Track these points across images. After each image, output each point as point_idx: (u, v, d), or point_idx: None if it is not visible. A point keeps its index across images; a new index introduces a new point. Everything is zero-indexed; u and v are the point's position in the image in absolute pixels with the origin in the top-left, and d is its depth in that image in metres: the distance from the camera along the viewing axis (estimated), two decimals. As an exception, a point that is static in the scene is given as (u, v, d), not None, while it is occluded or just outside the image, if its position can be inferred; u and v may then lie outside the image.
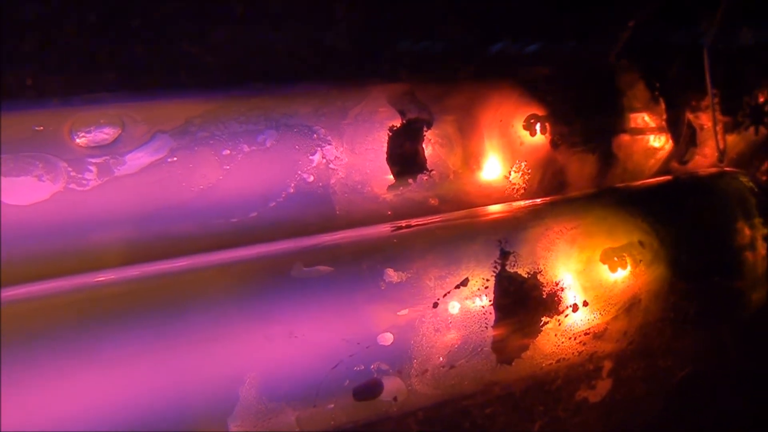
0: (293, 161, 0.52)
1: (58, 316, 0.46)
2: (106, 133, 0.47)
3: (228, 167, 0.50)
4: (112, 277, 0.49)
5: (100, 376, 0.42)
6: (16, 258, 0.47)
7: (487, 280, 0.43)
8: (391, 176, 0.52)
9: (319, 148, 0.53)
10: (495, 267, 0.44)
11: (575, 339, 0.46)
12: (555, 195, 0.53)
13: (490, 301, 0.43)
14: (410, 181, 0.50)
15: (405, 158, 0.49)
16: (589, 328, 0.47)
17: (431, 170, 0.50)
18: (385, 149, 0.52)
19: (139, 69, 0.41)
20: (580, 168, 0.55)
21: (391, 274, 0.47)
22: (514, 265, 0.44)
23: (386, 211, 0.54)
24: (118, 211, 0.49)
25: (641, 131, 0.58)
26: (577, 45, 0.56)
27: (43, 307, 0.47)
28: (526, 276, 0.44)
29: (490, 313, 0.43)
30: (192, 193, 0.50)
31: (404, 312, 0.47)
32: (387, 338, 0.47)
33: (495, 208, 0.51)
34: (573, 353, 0.46)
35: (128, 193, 0.49)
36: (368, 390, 0.41)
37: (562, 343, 0.46)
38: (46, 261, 0.48)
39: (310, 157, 0.53)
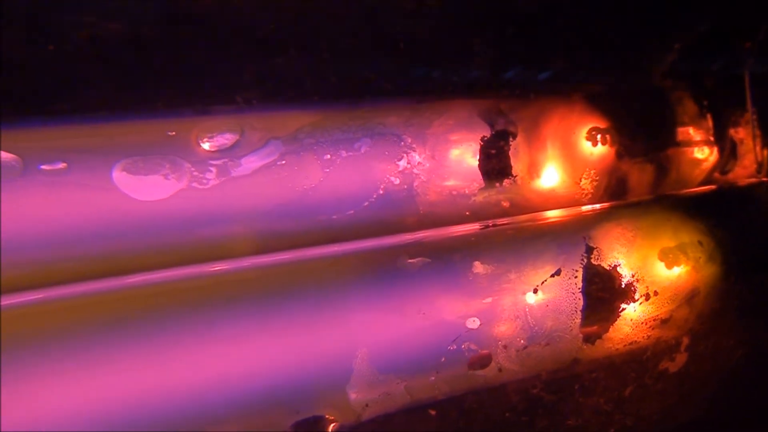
0: (383, 165, 0.58)
1: (186, 300, 0.51)
2: (226, 139, 0.52)
3: (328, 170, 0.56)
4: (226, 267, 0.54)
5: (240, 352, 0.46)
6: (142, 248, 0.52)
7: (577, 270, 0.48)
8: (479, 181, 0.57)
9: (405, 154, 0.58)
10: (582, 260, 0.49)
11: (646, 324, 0.51)
12: (618, 200, 0.58)
13: (579, 288, 0.48)
14: (497, 185, 0.55)
15: (494, 165, 0.54)
16: (657, 315, 0.51)
17: (515, 176, 0.55)
18: (470, 156, 0.57)
19: (263, 83, 0.47)
20: (640, 176, 0.60)
21: (478, 267, 0.51)
22: (597, 259, 0.49)
23: (464, 211, 0.59)
24: (233, 207, 0.54)
25: (690, 144, 0.63)
26: (629, 65, 0.62)
27: (169, 291, 0.51)
28: (608, 268, 0.49)
29: (579, 299, 0.48)
30: (297, 192, 0.55)
31: (488, 300, 0.52)
32: (474, 322, 0.51)
33: (569, 211, 0.56)
34: (643, 337, 0.50)
35: (242, 192, 0.54)
36: (480, 362, 0.45)
37: (636, 327, 0.50)
38: (169, 252, 0.53)
39: (397, 162, 0.58)
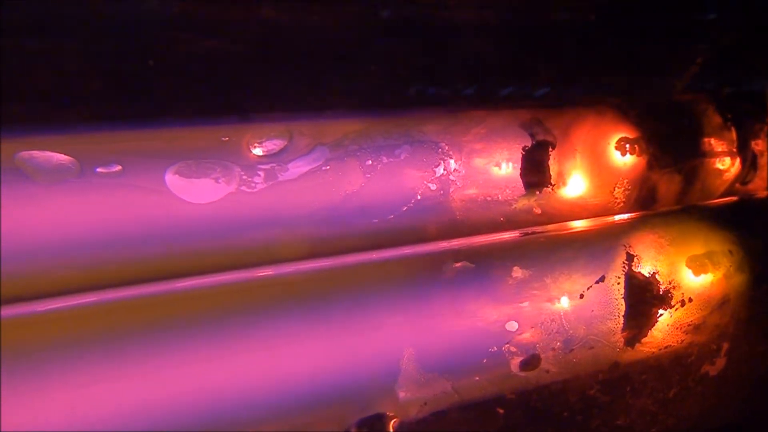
0: (421, 172, 0.59)
1: (236, 302, 0.52)
2: (275, 144, 0.54)
3: (369, 175, 0.57)
4: (273, 271, 0.55)
5: (288, 353, 0.48)
6: (192, 251, 0.53)
7: (619, 277, 0.50)
8: (512, 188, 0.59)
9: (442, 161, 0.60)
10: (624, 267, 0.51)
11: (681, 329, 0.53)
12: (647, 209, 0.60)
13: (622, 295, 0.50)
14: (537, 192, 0.57)
15: (534, 173, 0.56)
16: (692, 321, 0.53)
17: (554, 184, 0.57)
18: (504, 164, 0.59)
19: (314, 92, 0.49)
20: (668, 186, 0.62)
21: (517, 271, 0.53)
22: (637, 266, 0.51)
23: (499, 217, 0.60)
24: (279, 211, 0.55)
25: (714, 155, 0.65)
26: (653, 79, 0.64)
27: (217, 294, 0.53)
28: (647, 275, 0.51)
29: (622, 305, 0.50)
30: (339, 197, 0.56)
31: (525, 304, 0.53)
32: (513, 325, 0.52)
33: (602, 219, 0.58)
34: (677, 341, 0.52)
35: (288, 196, 0.55)
36: (529, 363, 0.47)
37: (671, 331, 0.52)
38: (216, 254, 0.54)
39: (435, 169, 0.60)
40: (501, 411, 0.46)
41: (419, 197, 0.58)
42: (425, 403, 0.46)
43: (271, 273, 0.54)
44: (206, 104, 0.46)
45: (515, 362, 0.48)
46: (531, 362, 0.49)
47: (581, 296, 0.50)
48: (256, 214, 0.54)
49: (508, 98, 0.56)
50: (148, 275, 0.51)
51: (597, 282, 0.51)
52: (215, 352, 0.48)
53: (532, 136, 0.55)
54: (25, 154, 0.46)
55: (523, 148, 0.55)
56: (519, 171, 0.55)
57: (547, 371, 0.50)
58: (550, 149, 0.56)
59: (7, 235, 0.47)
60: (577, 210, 0.58)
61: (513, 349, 0.50)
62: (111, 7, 0.42)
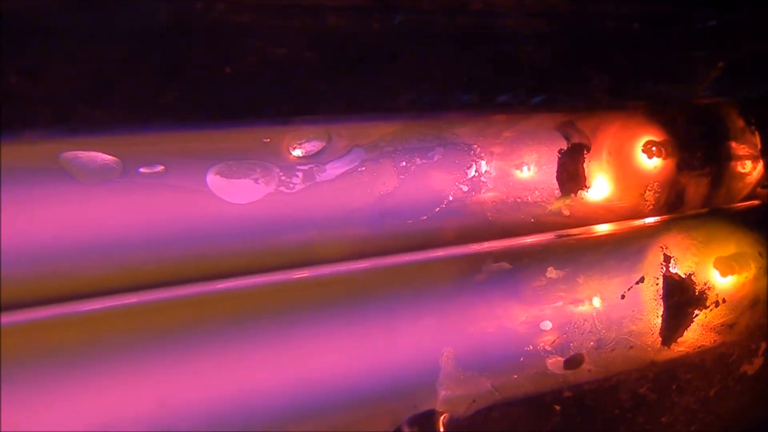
0: (453, 173, 0.60)
1: (271, 304, 0.53)
2: (314, 146, 0.54)
3: (403, 177, 0.58)
4: (311, 272, 0.55)
5: (330, 353, 0.48)
6: (231, 250, 0.54)
7: (657, 278, 0.51)
8: (541, 190, 0.60)
9: (474, 163, 0.60)
10: (661, 268, 0.52)
11: (714, 329, 0.54)
12: (676, 212, 0.61)
13: (660, 295, 0.51)
14: (572, 195, 0.58)
15: (570, 176, 0.57)
16: (725, 321, 0.54)
17: (588, 187, 0.58)
18: (534, 166, 0.60)
19: (357, 95, 0.49)
20: (696, 189, 0.63)
21: (552, 272, 0.53)
22: (674, 267, 0.52)
23: (529, 219, 0.61)
24: (316, 211, 0.56)
25: (738, 158, 0.66)
26: (676, 82, 0.65)
27: (255, 295, 0.53)
28: (683, 276, 0.52)
29: (660, 305, 0.50)
30: (374, 197, 0.57)
31: (560, 304, 0.54)
32: (547, 325, 0.53)
33: (636, 222, 0.59)
34: (710, 341, 0.53)
35: (325, 197, 0.56)
36: (573, 362, 0.48)
37: (706, 331, 0.53)
38: (255, 254, 0.55)
39: (466, 170, 0.60)
40: (556, 407, 0.46)
41: (451, 198, 0.59)
42: (473, 401, 0.46)
43: (310, 274, 0.54)
44: (253, 107, 0.46)
45: (554, 361, 0.49)
46: (573, 360, 0.49)
47: (623, 297, 0.51)
48: (294, 215, 0.54)
49: (542, 104, 0.57)
50: (189, 275, 0.51)
51: (637, 283, 0.52)
52: (256, 352, 0.49)
53: (567, 138, 0.56)
54: (69, 154, 0.47)
55: (559, 151, 0.56)
56: (555, 173, 0.56)
57: (589, 370, 0.50)
58: (585, 152, 0.57)
59: (50, 234, 0.47)
60: (608, 212, 0.59)
61: (548, 348, 0.51)
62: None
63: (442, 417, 0.45)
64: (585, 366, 0.50)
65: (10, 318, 0.47)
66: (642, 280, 0.52)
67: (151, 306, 0.50)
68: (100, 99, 0.45)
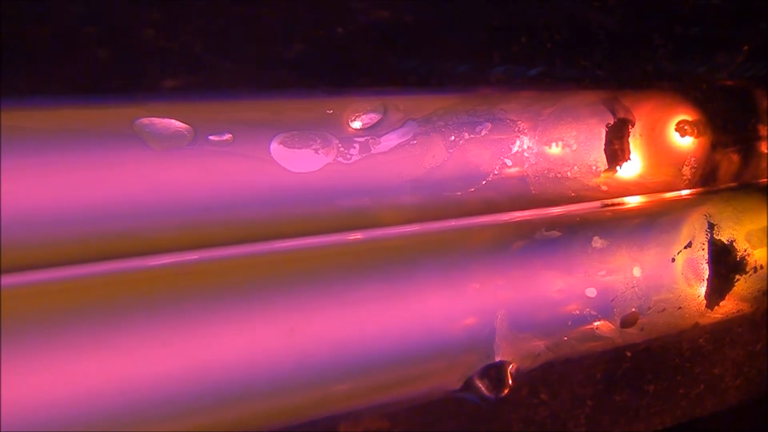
0: (498, 148, 0.62)
1: (333, 264, 0.55)
2: (371, 118, 0.56)
3: (452, 150, 0.60)
4: (363, 236, 0.58)
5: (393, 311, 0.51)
6: (291, 216, 0.56)
7: (704, 243, 0.54)
8: (579, 164, 0.62)
9: (517, 138, 0.63)
10: (707, 234, 0.55)
11: (752, 294, 0.57)
12: (708, 186, 0.64)
13: (706, 259, 0.54)
14: (617, 168, 0.60)
15: (615, 150, 0.59)
16: (761, 287, 0.58)
17: (631, 160, 0.61)
18: (573, 142, 0.63)
19: (417, 68, 0.51)
20: (728, 166, 0.66)
21: (597, 241, 0.56)
22: (718, 234, 0.56)
23: (570, 192, 0.64)
24: (370, 182, 0.58)
25: (763, 138, 0.69)
26: (706, 61, 0.68)
27: (318, 256, 0.55)
28: (726, 242, 0.56)
29: (706, 269, 0.54)
30: (424, 170, 0.59)
31: (602, 272, 0.57)
32: (592, 292, 0.56)
33: (677, 193, 0.62)
34: (749, 306, 0.57)
35: (379, 168, 0.58)
36: (629, 321, 0.51)
37: (745, 296, 0.57)
38: (312, 220, 0.57)
39: (510, 146, 0.63)
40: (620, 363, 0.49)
41: (496, 172, 0.61)
42: (538, 355, 0.49)
43: (360, 238, 0.56)
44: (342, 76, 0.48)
45: (601, 323, 0.52)
46: (629, 319, 0.52)
47: (673, 260, 0.54)
48: (349, 184, 0.56)
49: (584, 81, 0.59)
50: (251, 237, 0.53)
51: (685, 247, 0.55)
52: (320, 307, 0.51)
53: (613, 113, 0.59)
54: (145, 120, 0.48)
55: (606, 125, 0.59)
56: (599, 147, 0.59)
57: (641, 329, 0.53)
58: (630, 127, 0.59)
59: (120, 197, 0.49)
60: (648, 185, 0.61)
61: (593, 312, 0.54)
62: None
63: (510, 367, 0.48)
64: (637, 325, 0.53)
65: (85, 270, 0.49)
66: (690, 245, 0.55)
67: (213, 264, 0.53)
68: (178, 65, 0.47)
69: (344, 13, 0.43)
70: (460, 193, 0.59)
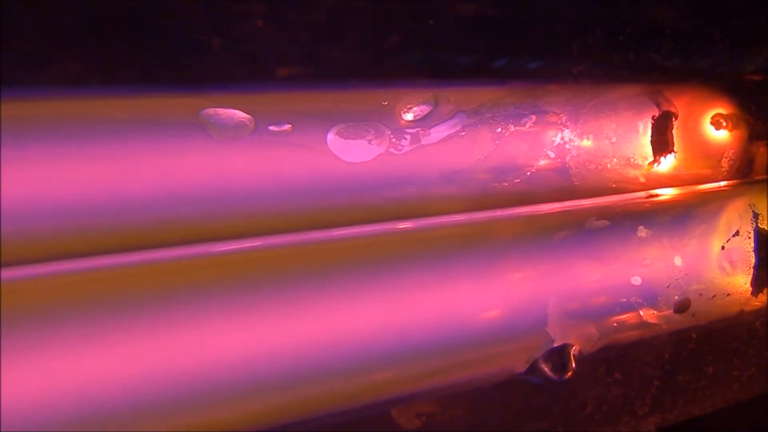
0: (541, 140, 0.64)
1: (383, 252, 0.56)
2: (422, 110, 0.58)
3: (498, 142, 0.61)
4: (410, 225, 0.59)
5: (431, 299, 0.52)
6: (344, 205, 0.57)
7: (749, 232, 0.56)
8: (618, 156, 0.64)
9: (560, 131, 0.64)
10: (752, 223, 0.56)
11: None
12: (744, 178, 0.65)
13: (752, 248, 0.56)
14: (661, 159, 0.62)
15: (659, 142, 0.61)
16: None
17: (676, 152, 0.62)
18: (612, 135, 0.64)
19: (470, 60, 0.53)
20: (762, 158, 0.68)
21: (642, 230, 0.58)
22: (762, 222, 0.57)
23: (610, 184, 0.65)
24: (419, 172, 0.59)
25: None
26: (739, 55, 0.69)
27: (366, 245, 0.57)
28: None
29: (752, 257, 0.55)
30: (471, 161, 0.61)
31: (647, 261, 0.58)
32: (637, 280, 0.57)
33: (715, 185, 0.63)
34: None
35: (428, 159, 0.59)
36: (682, 306, 0.52)
37: None
38: (364, 209, 0.58)
39: (553, 138, 0.64)
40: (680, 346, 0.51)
41: (541, 163, 0.62)
42: (599, 338, 0.51)
43: (409, 227, 0.58)
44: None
45: (648, 311, 0.53)
46: (682, 305, 0.54)
47: (723, 247, 0.56)
48: (399, 174, 0.58)
49: (625, 73, 0.61)
50: (306, 225, 0.54)
51: (733, 236, 0.56)
52: (375, 294, 0.53)
53: (658, 106, 0.60)
54: (210, 110, 0.50)
55: (652, 117, 0.60)
56: (646, 139, 0.60)
57: (693, 314, 0.55)
58: (674, 119, 0.61)
59: (183, 185, 0.50)
60: (690, 177, 0.63)
61: (639, 300, 0.55)
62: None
63: (573, 350, 0.49)
64: (693, 311, 0.54)
65: (145, 256, 0.50)
66: (737, 233, 0.57)
67: (271, 251, 0.54)
68: (244, 55, 0.48)
69: (435, 6, 0.45)
70: (506, 184, 0.60)
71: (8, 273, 0.43)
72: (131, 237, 0.49)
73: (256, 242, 0.53)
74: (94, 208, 0.47)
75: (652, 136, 0.60)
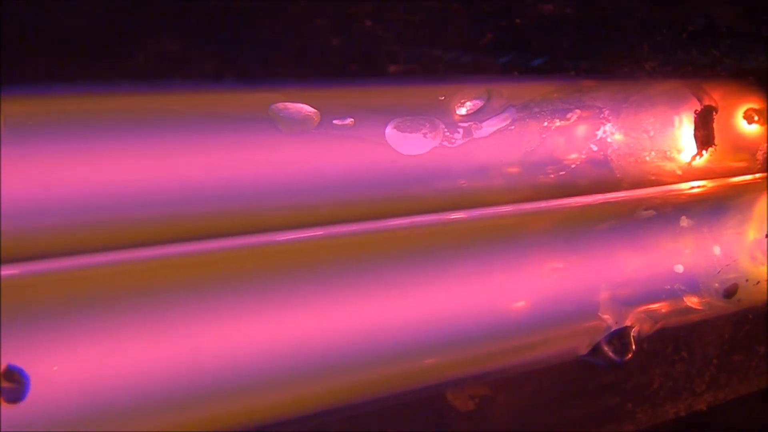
0: (585, 134, 0.66)
1: (430, 242, 0.59)
2: (475, 104, 0.60)
3: (544, 136, 0.64)
4: (463, 215, 0.62)
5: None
6: (398, 196, 0.60)
7: None
8: (657, 150, 0.67)
9: (602, 125, 0.67)
10: None
11: None
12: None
13: None
14: (703, 152, 0.64)
15: (701, 135, 0.63)
16: None
17: (716, 145, 0.65)
18: (651, 129, 0.67)
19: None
20: None
21: (684, 220, 0.60)
22: None
23: (650, 176, 0.68)
24: (470, 165, 0.62)
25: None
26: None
27: (417, 235, 0.59)
28: None
29: None
30: (518, 154, 0.63)
31: (688, 250, 0.61)
32: (679, 268, 0.60)
33: (751, 177, 0.66)
34: None
35: (479, 152, 0.62)
36: (730, 291, 0.55)
37: None
38: (418, 200, 0.60)
39: (596, 132, 0.67)
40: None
41: (584, 156, 0.65)
42: (656, 322, 0.54)
43: (460, 218, 0.60)
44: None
45: (726, 289, 0.56)
46: (730, 290, 0.57)
47: (767, 235, 0.59)
48: (452, 166, 0.60)
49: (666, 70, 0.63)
50: (366, 215, 0.57)
51: None
52: (432, 280, 0.55)
53: (699, 101, 0.63)
54: (280, 105, 0.52)
55: (695, 112, 0.63)
56: (693, 132, 0.63)
57: (739, 300, 0.58)
58: (714, 114, 0.63)
59: (251, 176, 0.53)
60: (727, 169, 0.66)
61: (682, 287, 0.58)
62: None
63: (632, 331, 0.52)
64: (739, 297, 0.57)
65: (222, 244, 0.52)
66: None
67: (334, 240, 0.56)
68: (310, 53, 0.50)
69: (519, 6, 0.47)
70: (552, 176, 0.63)
71: (87, 260, 0.45)
72: (209, 224, 0.51)
73: (318, 232, 0.56)
74: (170, 197, 0.50)
75: (695, 130, 0.63)
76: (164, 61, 0.48)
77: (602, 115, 0.65)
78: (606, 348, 0.52)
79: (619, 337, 0.52)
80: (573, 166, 0.64)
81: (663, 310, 0.57)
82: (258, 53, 0.49)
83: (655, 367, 0.55)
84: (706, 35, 0.65)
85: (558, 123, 0.63)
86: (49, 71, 0.44)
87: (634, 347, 0.52)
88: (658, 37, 0.64)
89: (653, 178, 0.67)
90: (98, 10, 0.45)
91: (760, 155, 0.68)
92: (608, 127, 0.66)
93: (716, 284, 0.59)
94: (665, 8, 0.58)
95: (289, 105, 0.52)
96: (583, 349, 0.52)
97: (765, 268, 0.60)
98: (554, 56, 0.57)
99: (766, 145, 0.67)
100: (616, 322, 0.53)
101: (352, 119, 0.54)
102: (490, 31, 0.54)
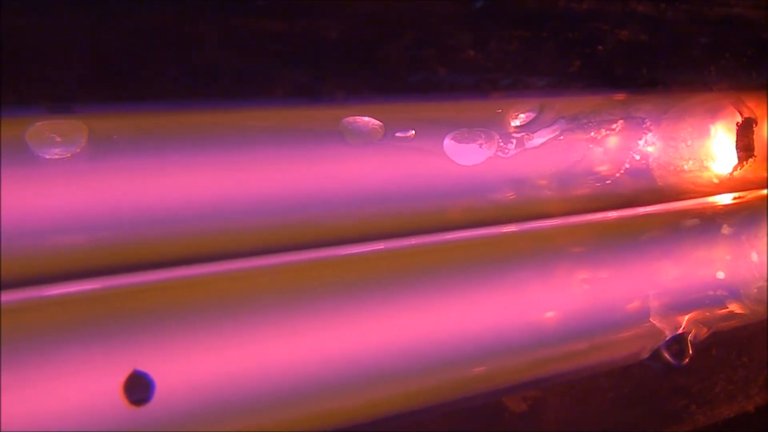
0: (628, 143, 0.69)
1: (486, 252, 0.61)
2: (528, 116, 0.63)
3: (590, 146, 0.67)
4: (514, 228, 0.64)
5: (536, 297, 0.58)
6: (455, 205, 0.62)
7: None
8: (694, 158, 0.70)
9: (644, 134, 0.69)
10: None
11: None
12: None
13: None
14: (744, 163, 0.67)
15: (742, 146, 0.66)
16: None
17: (756, 156, 0.68)
18: (689, 139, 0.70)
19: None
20: None
21: (726, 229, 0.63)
22: None
23: (688, 185, 0.71)
24: (522, 174, 0.65)
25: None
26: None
27: (477, 245, 0.62)
28: None
29: None
30: (567, 163, 0.66)
31: (728, 257, 0.64)
32: (720, 275, 0.63)
33: None
34: None
35: (530, 161, 0.64)
36: None
37: None
38: (470, 210, 0.63)
39: (638, 141, 0.69)
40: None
41: (627, 166, 0.68)
42: (708, 328, 0.57)
43: (514, 230, 0.63)
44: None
45: (743, 301, 0.59)
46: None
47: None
48: (505, 177, 0.63)
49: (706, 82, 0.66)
50: (428, 226, 0.59)
51: None
52: (488, 291, 0.58)
53: (740, 113, 0.65)
54: (350, 118, 0.54)
55: (736, 124, 0.66)
56: (735, 143, 0.66)
57: None
58: (754, 125, 0.66)
59: (322, 187, 0.55)
60: (757, 180, 0.69)
61: (724, 293, 0.61)
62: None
63: (689, 336, 0.55)
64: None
65: (283, 258, 0.55)
66: None
67: (394, 252, 0.59)
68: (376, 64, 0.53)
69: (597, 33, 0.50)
70: (598, 185, 0.65)
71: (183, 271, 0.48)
72: (273, 237, 0.54)
73: (379, 245, 0.58)
74: (248, 209, 0.52)
75: (737, 141, 0.66)
76: (245, 81, 0.50)
77: (644, 125, 0.68)
78: (665, 353, 0.55)
79: (677, 342, 0.55)
80: (617, 174, 0.67)
81: (711, 316, 0.59)
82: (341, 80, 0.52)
83: (719, 372, 0.58)
84: (748, 51, 0.67)
85: (603, 133, 0.66)
86: (137, 91, 0.46)
87: (691, 351, 0.55)
88: (698, 53, 0.67)
89: (692, 187, 0.69)
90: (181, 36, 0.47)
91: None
92: (650, 136, 0.68)
93: (755, 290, 0.62)
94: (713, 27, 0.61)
95: (359, 118, 0.54)
96: (644, 354, 0.55)
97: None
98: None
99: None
100: (671, 329, 0.56)
101: (413, 131, 0.57)
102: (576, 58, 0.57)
